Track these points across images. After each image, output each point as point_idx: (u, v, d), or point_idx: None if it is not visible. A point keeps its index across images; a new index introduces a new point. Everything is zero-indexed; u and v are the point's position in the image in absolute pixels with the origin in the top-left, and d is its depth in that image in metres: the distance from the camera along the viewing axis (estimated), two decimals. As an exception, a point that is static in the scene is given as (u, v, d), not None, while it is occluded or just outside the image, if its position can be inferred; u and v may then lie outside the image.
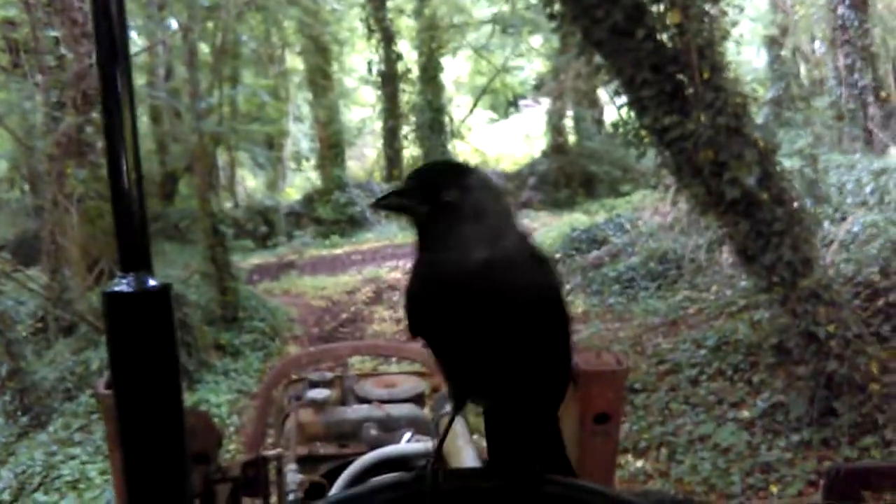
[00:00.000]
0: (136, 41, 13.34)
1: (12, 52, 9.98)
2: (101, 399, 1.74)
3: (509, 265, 0.90)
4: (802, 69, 13.20)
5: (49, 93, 8.45)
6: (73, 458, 6.97)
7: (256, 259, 15.07)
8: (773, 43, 12.50)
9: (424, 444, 2.01)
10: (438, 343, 0.96)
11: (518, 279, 0.90)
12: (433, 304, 0.92)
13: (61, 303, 8.88)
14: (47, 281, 9.10)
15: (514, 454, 1.02)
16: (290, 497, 1.99)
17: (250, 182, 21.20)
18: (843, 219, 8.71)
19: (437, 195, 0.90)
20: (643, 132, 6.28)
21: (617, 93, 6.15)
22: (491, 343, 0.91)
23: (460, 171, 0.94)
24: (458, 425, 1.05)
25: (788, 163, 7.40)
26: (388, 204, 0.92)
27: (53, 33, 8.42)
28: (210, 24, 11.28)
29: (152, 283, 1.04)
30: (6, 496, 6.63)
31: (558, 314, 0.96)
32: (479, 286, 0.89)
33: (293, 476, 2.05)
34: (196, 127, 10.33)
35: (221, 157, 16.71)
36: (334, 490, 1.92)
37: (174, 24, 12.00)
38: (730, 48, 6.49)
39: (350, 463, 2.03)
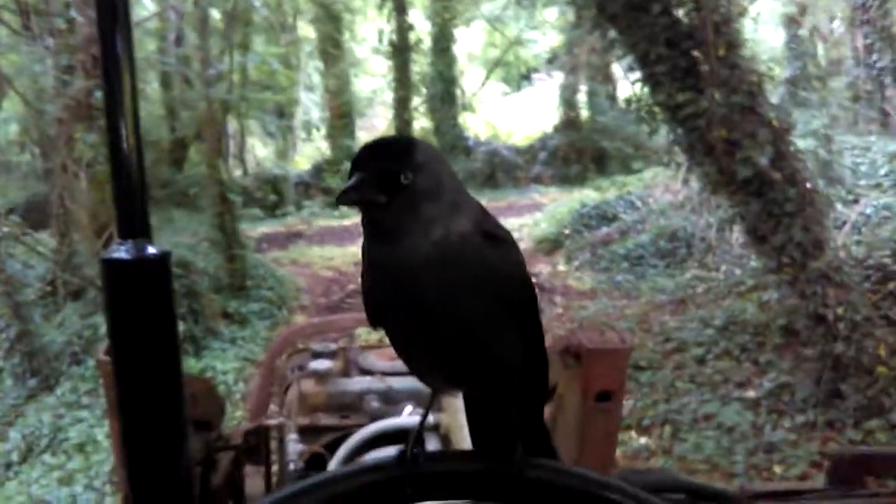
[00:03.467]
0: (147, 6, 13.26)
1: (23, 14, 9.92)
2: (100, 365, 1.74)
3: (465, 247, 0.86)
4: (820, 49, 12.99)
5: (59, 56, 8.42)
6: (80, 420, 7.05)
7: (265, 228, 15.10)
8: (791, 21, 12.32)
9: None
10: (399, 332, 0.92)
11: (474, 260, 0.86)
12: (392, 294, 0.88)
13: (70, 267, 8.92)
14: (56, 245, 9.14)
15: (496, 438, 1.00)
16: (291, 466, 2.00)
17: (260, 151, 21.17)
18: (856, 201, 8.64)
19: (394, 181, 0.86)
20: (656, 109, 6.22)
21: (631, 68, 6.08)
22: (451, 330, 0.87)
23: (408, 148, 0.88)
24: (460, 401, 1.04)
25: (803, 143, 7.32)
26: (349, 199, 0.87)
27: (64, -4, 8.38)
28: (222, -10, 11.20)
29: (151, 250, 1.04)
30: (14, 457, 6.73)
31: (519, 294, 0.92)
32: (435, 272, 0.85)
33: (294, 446, 2.06)
34: (206, 94, 10.29)
35: (231, 125, 16.67)
36: (334, 461, 1.93)
37: (186, -11, 11.90)
38: (747, 26, 6.41)
39: (350, 434, 2.04)
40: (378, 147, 0.90)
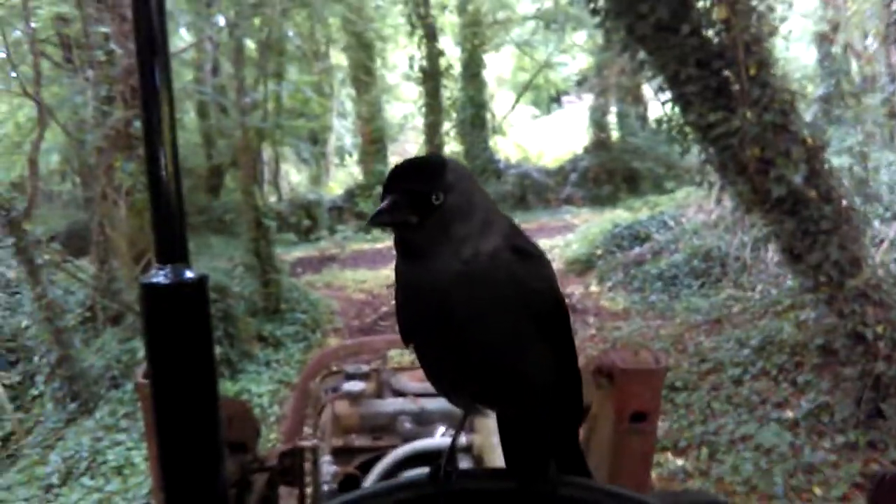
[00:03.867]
0: (184, 37, 13.55)
1: (65, 47, 10.20)
2: (139, 388, 1.77)
3: (494, 263, 0.87)
4: (854, 66, 12.83)
5: (99, 87, 8.62)
6: (118, 444, 7.12)
7: (299, 252, 15.25)
8: (823, 39, 12.20)
9: (459, 439, 2.01)
10: (428, 351, 0.93)
11: (504, 276, 0.87)
12: (423, 313, 0.89)
13: (109, 293, 9.08)
14: (96, 271, 9.31)
15: (529, 455, 1.00)
16: (325, 488, 2.01)
17: (294, 177, 21.45)
18: (894, 218, 8.49)
19: (425, 202, 0.86)
20: (687, 128, 6.20)
21: (661, 89, 6.06)
22: (478, 346, 0.87)
23: (439, 169, 0.88)
24: (492, 422, 1.04)
25: (838, 161, 7.22)
26: (382, 221, 0.88)
27: (103, 29, 8.58)
28: (256, 21, 11.40)
29: (189, 274, 1.06)
30: (55, 479, 6.81)
31: (549, 308, 0.92)
32: (465, 290, 0.85)
33: (328, 467, 2.07)
34: (241, 122, 10.47)
35: (266, 152, 16.92)
36: (367, 482, 1.94)
37: (221, 20, 12.15)
38: (778, 44, 6.35)
39: (384, 456, 2.04)
40: (409, 168, 0.90)
